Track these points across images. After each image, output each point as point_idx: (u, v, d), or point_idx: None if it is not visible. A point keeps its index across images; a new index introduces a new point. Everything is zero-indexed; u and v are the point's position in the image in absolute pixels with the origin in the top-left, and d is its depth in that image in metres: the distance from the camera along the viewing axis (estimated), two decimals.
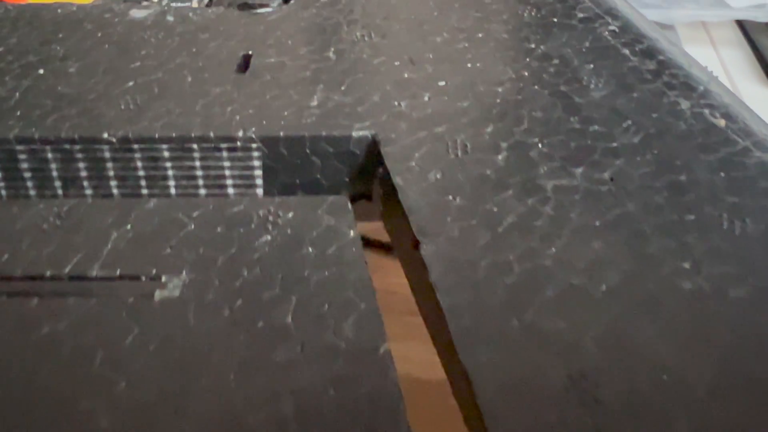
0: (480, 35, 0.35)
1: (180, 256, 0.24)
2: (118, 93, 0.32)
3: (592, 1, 0.38)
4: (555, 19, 0.37)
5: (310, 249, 0.24)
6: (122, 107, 0.31)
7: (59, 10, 0.39)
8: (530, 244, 0.24)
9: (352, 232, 0.25)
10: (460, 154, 0.28)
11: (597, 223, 0.24)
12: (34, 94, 0.32)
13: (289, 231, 0.25)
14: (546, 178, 0.26)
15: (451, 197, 0.26)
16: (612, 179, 0.26)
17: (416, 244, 0.24)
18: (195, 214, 0.26)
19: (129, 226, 0.25)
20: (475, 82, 0.32)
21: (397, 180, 0.26)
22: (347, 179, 0.30)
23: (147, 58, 0.34)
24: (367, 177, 0.30)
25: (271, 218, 0.25)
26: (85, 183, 0.30)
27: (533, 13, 0.37)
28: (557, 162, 0.27)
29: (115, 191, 0.30)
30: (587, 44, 0.35)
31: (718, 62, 0.85)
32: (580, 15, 0.37)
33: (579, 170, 0.27)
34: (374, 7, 0.38)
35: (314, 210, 0.26)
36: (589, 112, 0.30)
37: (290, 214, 0.26)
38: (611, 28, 0.36)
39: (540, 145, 0.28)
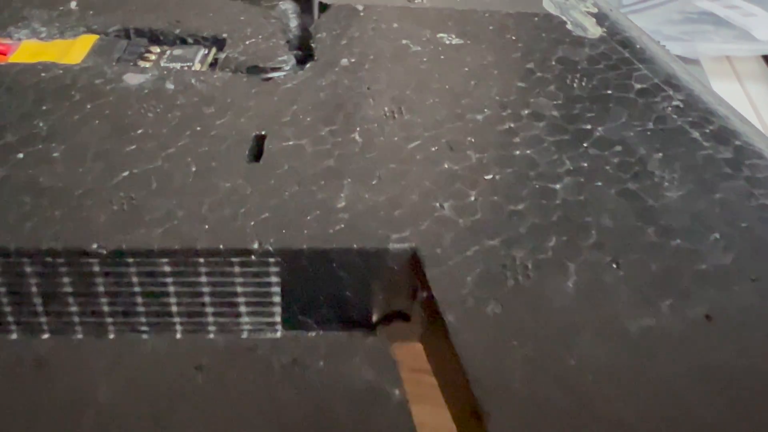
0: (526, 112, 0.31)
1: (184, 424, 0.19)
2: (110, 187, 0.27)
3: (647, 68, 0.34)
4: (609, 92, 0.32)
5: (344, 413, 0.20)
6: (115, 207, 0.26)
7: (43, 74, 0.34)
8: (615, 406, 0.19)
9: (397, 392, 0.20)
10: (521, 278, 0.23)
11: (690, 374, 0.20)
12: (10, 187, 0.27)
13: (318, 386, 0.20)
14: (627, 316, 0.22)
15: (516, 343, 0.21)
16: (708, 317, 0.22)
17: (478, 416, 0.19)
18: (203, 361, 0.21)
19: (122, 380, 0.21)
20: (528, 175, 0.27)
21: (449, 318, 0.22)
22: (381, 297, 0.25)
23: (144, 139, 0.29)
24: (405, 294, 0.25)
25: (297, 369, 0.21)
26: (71, 300, 0.25)
27: (584, 83, 0.33)
28: (638, 292, 0.22)
29: (106, 309, 0.25)
30: (651, 125, 0.30)
31: (745, 97, 0.81)
32: (638, 86, 0.33)
33: (666, 303, 0.22)
34: (402, 74, 0.34)
35: (349, 357, 0.21)
36: (668, 220, 0.25)
37: (320, 363, 0.21)
38: (675, 103, 0.31)
39: (615, 266, 0.23)
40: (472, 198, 0.26)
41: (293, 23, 0.41)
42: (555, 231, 0.25)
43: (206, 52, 0.37)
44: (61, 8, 0.40)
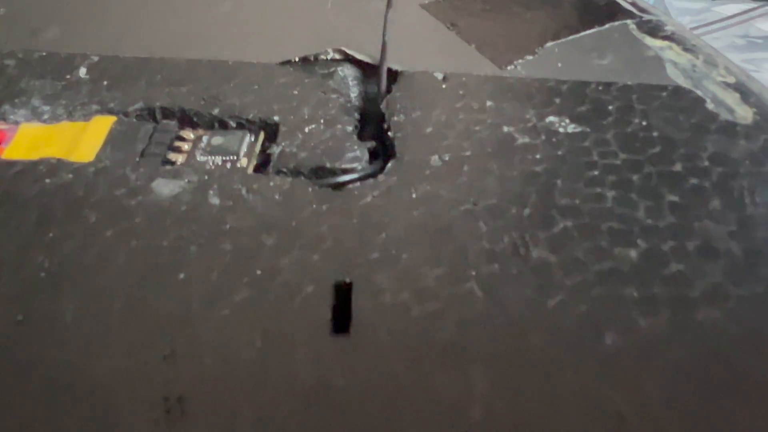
0: (693, 245, 0.23)
1: None
2: (147, 377, 0.19)
3: None
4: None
5: None
6: (155, 415, 0.18)
7: (48, 180, 0.26)
8: None
9: None
10: None
11: None
12: (4, 380, 0.19)
13: None
14: None
15: None
16: None
17: None
18: None
19: None
20: None
21: None
22: None
23: (188, 290, 0.22)
24: None
25: None
26: None
27: (757, 198, 0.25)
28: None
29: None
30: None
31: None
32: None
33: None
34: (515, 180, 0.26)
35: None
36: None
37: None
38: None
39: None
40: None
41: (354, 92, 0.33)
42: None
43: (253, 138, 0.30)
44: (68, 77, 0.32)
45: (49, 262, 0.23)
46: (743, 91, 0.31)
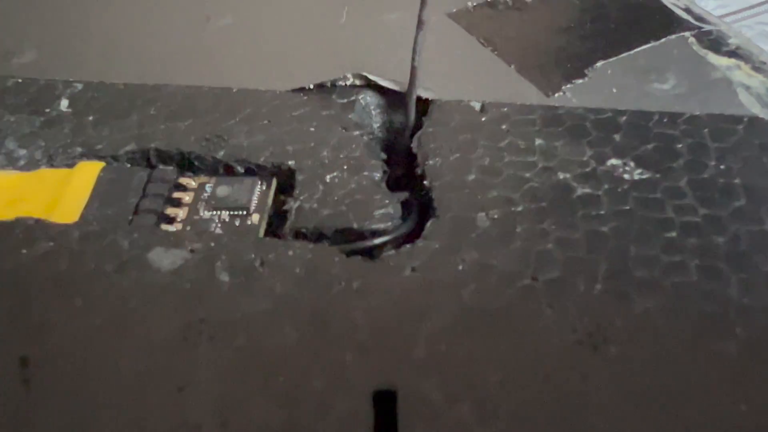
0: None
1: None
2: None
3: None
4: None
5: None
6: None
7: (24, 250, 0.22)
8: None
9: None
10: None
11: None
12: None
13: None
14: None
15: None
16: None
17: None
18: None
19: None
20: None
21: None
22: None
23: (194, 418, 0.18)
24: None
25: None
26: None
27: None
28: None
29: None
30: None
31: None
32: None
33: None
34: (579, 246, 0.22)
35: None
36: None
37: None
38: None
39: None
40: None
41: (377, 122, 0.29)
42: None
43: (264, 187, 0.25)
44: (47, 110, 0.28)
45: (27, 372, 0.19)
46: None
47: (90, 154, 0.26)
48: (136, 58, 0.30)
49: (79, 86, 0.29)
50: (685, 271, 0.21)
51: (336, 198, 0.24)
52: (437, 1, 0.33)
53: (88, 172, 0.25)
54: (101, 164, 0.26)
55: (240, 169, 0.26)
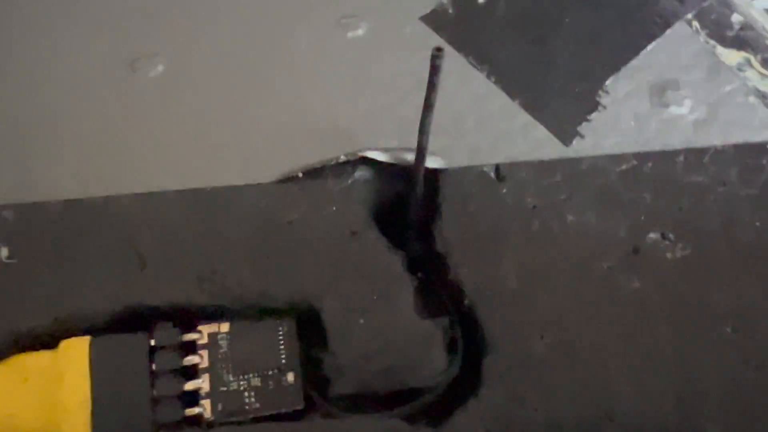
0: None
1: None
2: None
3: None
4: None
5: None
6: None
7: None
8: None
9: None
10: None
11: None
12: None
13: None
14: None
15: None
16: None
17: None
18: None
19: None
20: None
21: None
22: None
23: None
24: None
25: None
26: None
27: None
28: None
29: None
30: None
31: None
32: None
33: None
34: (645, 370, 0.21)
35: None
36: None
37: None
38: None
39: None
40: None
41: (357, 194, 0.25)
42: None
43: (285, 328, 0.22)
44: None
45: None
46: None
47: (62, 326, 0.22)
48: (73, 167, 0.24)
49: (9, 216, 0.23)
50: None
51: (375, 348, 0.21)
52: (409, 6, 0.28)
53: (76, 352, 0.21)
54: (87, 339, 0.22)
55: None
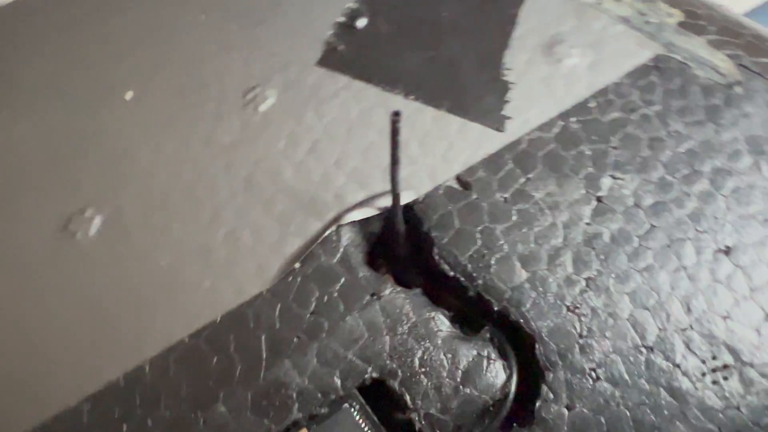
0: None
1: None
2: None
3: None
4: None
5: None
6: None
7: None
8: None
9: None
10: None
11: None
12: None
13: None
14: None
15: None
16: None
17: None
18: None
19: None
20: None
21: None
22: None
23: None
24: None
25: None
26: None
27: None
28: None
29: None
30: None
31: None
32: None
33: None
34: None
35: None
36: None
37: None
38: None
39: None
40: None
41: (356, 259, 0.26)
42: None
43: (357, 407, 0.23)
44: None
45: None
46: (696, 25, 0.30)
47: None
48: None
49: None
50: None
51: (452, 385, 0.23)
52: (300, 56, 0.28)
53: None
54: None
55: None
